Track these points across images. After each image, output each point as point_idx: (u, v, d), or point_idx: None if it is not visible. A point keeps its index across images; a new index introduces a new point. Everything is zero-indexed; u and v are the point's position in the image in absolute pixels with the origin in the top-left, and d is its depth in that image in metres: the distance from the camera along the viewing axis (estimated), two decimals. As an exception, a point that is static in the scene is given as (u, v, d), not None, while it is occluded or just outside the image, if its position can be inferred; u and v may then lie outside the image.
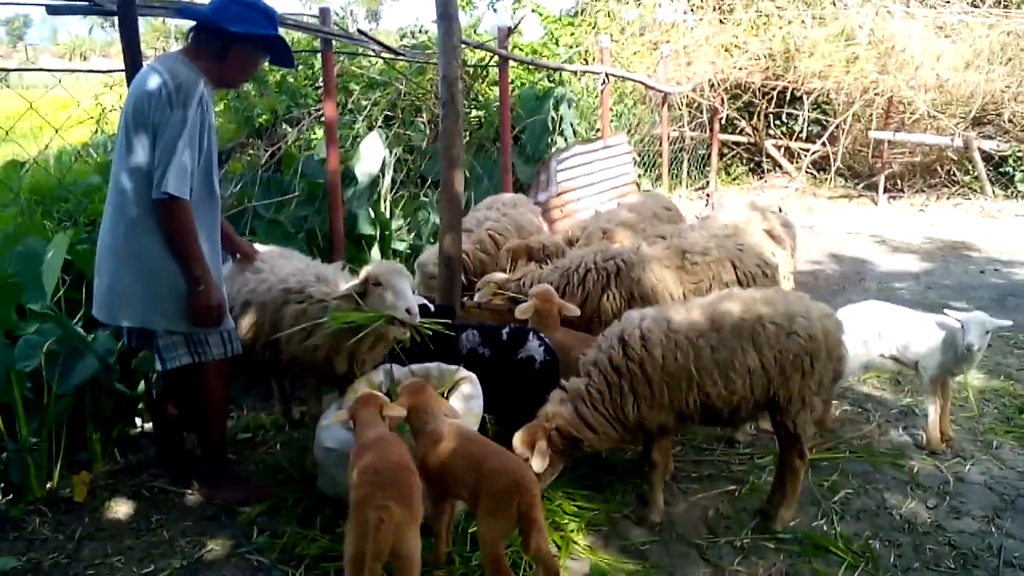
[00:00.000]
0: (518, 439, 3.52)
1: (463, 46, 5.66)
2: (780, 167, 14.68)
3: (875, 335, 4.65)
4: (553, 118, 10.34)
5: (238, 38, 3.52)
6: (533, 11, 14.79)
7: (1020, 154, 12.49)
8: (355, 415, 3.26)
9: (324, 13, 5.79)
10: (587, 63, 12.52)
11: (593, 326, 4.70)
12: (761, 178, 14.69)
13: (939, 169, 13.38)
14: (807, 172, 13.88)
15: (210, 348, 3.67)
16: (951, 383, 4.62)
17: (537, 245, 5.69)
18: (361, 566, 2.65)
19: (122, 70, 4.19)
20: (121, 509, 3.89)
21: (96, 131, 7.42)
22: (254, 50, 3.68)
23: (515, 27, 10.38)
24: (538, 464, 3.42)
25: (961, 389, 5.01)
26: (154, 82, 3.37)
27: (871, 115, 13.27)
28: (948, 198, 12.85)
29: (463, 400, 3.77)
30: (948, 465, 4.34)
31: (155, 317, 3.56)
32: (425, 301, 4.52)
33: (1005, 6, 13.25)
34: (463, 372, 4.04)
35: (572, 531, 3.62)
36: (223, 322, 3.66)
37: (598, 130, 10.51)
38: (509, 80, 8.23)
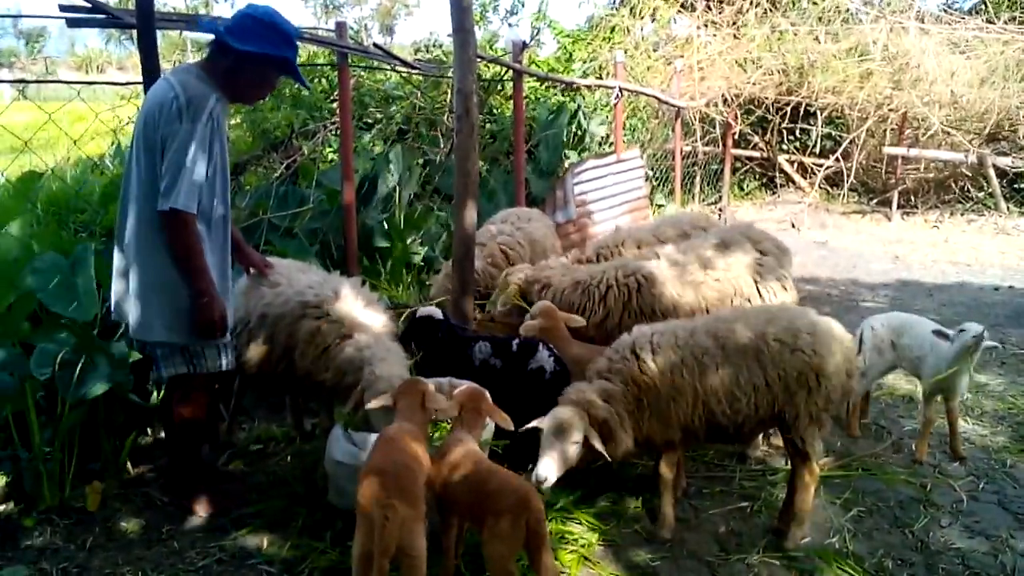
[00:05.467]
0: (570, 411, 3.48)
1: (478, 60, 5.69)
2: (793, 182, 14.67)
3: (889, 346, 4.63)
4: (569, 131, 10.37)
5: (247, 56, 3.49)
6: (549, 26, 14.86)
7: (1035, 171, 12.46)
8: (396, 401, 3.33)
9: (340, 27, 5.84)
10: (601, 78, 12.56)
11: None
12: (774, 193, 14.68)
13: (953, 185, 13.35)
14: (820, 188, 13.86)
15: (206, 360, 3.67)
16: (955, 403, 4.58)
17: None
18: (367, 564, 2.67)
19: (139, 82, 4.23)
20: (132, 519, 3.90)
21: (113, 143, 7.50)
22: (265, 69, 3.64)
23: (530, 41, 10.43)
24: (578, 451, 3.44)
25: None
26: (166, 95, 3.37)
27: (885, 131, 13.25)
28: (962, 214, 12.80)
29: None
30: (961, 484, 4.30)
31: (155, 328, 3.56)
32: (435, 310, 4.54)
33: (1020, 23, 13.23)
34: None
35: (582, 547, 3.60)
36: (223, 335, 3.66)
37: (611, 143, 10.53)
38: (524, 94, 8.26)
